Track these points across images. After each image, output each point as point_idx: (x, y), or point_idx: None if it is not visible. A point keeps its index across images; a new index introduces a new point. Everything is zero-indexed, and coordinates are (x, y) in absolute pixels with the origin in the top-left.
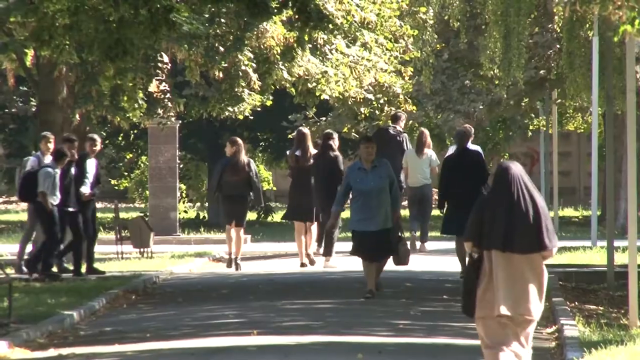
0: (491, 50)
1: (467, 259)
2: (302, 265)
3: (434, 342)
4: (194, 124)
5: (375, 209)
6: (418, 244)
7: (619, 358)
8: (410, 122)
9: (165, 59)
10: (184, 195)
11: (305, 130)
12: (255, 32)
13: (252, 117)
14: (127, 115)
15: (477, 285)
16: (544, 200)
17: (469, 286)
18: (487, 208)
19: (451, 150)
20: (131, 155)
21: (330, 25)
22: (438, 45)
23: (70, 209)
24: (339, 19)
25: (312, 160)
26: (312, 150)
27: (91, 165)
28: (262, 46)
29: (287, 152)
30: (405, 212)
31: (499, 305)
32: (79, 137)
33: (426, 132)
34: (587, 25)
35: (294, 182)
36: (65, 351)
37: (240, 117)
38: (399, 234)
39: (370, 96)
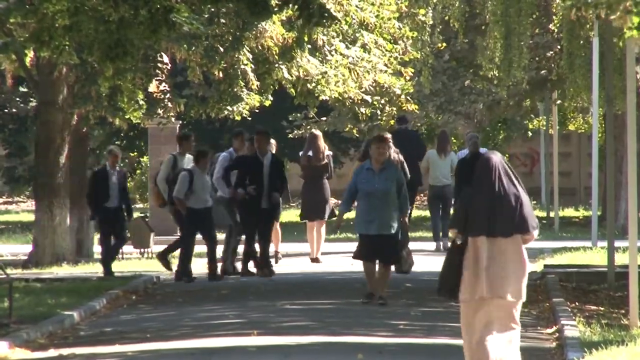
0: (491, 50)
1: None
2: (313, 260)
3: (434, 342)
4: (195, 124)
5: (379, 212)
6: (440, 244)
7: (620, 358)
8: (412, 122)
9: (165, 59)
10: None
11: (317, 132)
12: (254, 32)
13: (250, 118)
14: (126, 116)
15: (460, 270)
16: (527, 191)
17: (450, 271)
18: (471, 197)
19: (465, 151)
20: (134, 154)
21: (331, 20)
22: (439, 45)
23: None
24: (338, 18)
25: (325, 160)
26: (326, 152)
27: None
28: (260, 46)
29: (300, 154)
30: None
31: (483, 288)
32: (78, 137)
33: (447, 132)
34: (588, 26)
35: (306, 182)
36: (65, 351)
37: (238, 117)
38: (404, 240)
39: (369, 98)
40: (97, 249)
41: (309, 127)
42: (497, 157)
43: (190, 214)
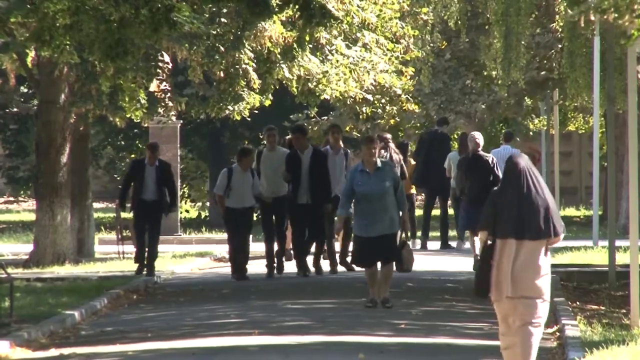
0: (493, 49)
1: (480, 246)
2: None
3: (435, 342)
4: (196, 123)
5: (378, 214)
6: (462, 244)
7: (621, 358)
8: (412, 122)
9: (166, 58)
10: (185, 195)
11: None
12: (254, 31)
13: (249, 118)
14: (127, 114)
15: (491, 270)
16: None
17: (485, 270)
18: (499, 200)
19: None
20: (133, 155)
21: (332, 20)
22: (441, 44)
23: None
24: (340, 18)
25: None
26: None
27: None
28: (260, 46)
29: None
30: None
31: (509, 288)
32: (79, 137)
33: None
34: (589, 28)
35: None
36: (66, 351)
37: (237, 117)
38: (404, 239)
39: (370, 97)
40: (98, 248)
41: (309, 126)
42: (524, 161)
43: (227, 213)
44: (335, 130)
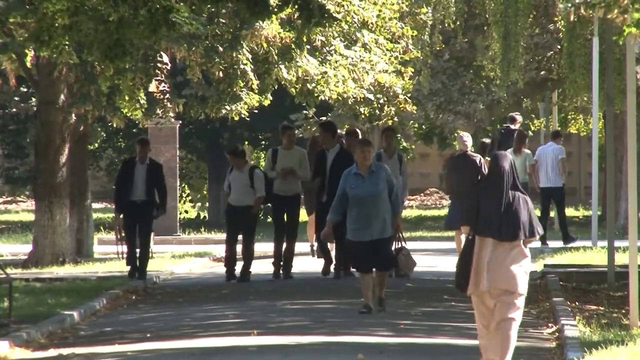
0: (492, 50)
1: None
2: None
3: (434, 342)
4: (195, 123)
5: (371, 218)
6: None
7: (620, 358)
8: (411, 122)
9: (165, 59)
10: (184, 195)
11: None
12: (251, 31)
13: (248, 119)
14: (126, 112)
15: (471, 265)
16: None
17: (465, 264)
18: (481, 199)
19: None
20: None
21: (331, 21)
22: (438, 46)
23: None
24: (338, 18)
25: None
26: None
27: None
28: (256, 46)
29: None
30: None
31: (485, 282)
32: (78, 137)
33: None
34: (589, 28)
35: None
36: (65, 351)
37: (236, 117)
38: (400, 242)
39: (371, 96)
40: (97, 248)
41: (308, 126)
42: (507, 163)
43: (227, 208)
44: (389, 134)
